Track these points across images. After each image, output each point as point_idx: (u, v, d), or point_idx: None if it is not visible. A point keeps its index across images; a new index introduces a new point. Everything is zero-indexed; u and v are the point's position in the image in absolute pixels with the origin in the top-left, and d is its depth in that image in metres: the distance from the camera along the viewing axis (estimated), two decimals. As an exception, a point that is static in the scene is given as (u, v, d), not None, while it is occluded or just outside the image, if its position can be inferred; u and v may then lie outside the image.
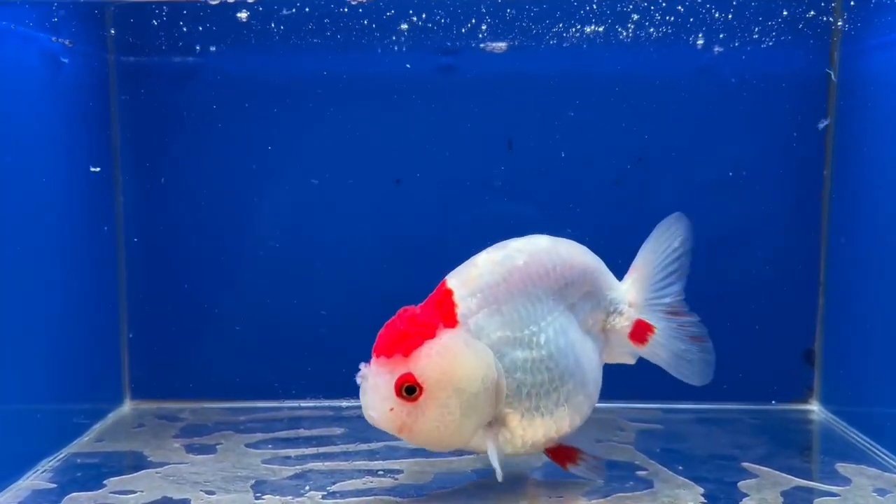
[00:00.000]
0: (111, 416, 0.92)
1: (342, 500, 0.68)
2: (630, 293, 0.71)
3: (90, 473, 0.74)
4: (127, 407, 0.96)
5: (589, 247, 0.77)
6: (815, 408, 0.94)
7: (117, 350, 0.95)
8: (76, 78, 0.85)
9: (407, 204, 0.95)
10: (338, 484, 0.72)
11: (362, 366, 0.64)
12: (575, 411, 0.67)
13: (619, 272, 0.96)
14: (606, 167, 0.94)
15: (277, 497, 0.69)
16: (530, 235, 0.69)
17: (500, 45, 0.92)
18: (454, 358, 0.62)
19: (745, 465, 0.76)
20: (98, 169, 0.91)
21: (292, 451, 0.80)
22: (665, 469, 0.75)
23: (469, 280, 0.65)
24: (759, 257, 0.95)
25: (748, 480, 0.73)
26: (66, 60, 0.82)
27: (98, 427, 0.88)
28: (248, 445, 0.82)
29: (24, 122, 0.75)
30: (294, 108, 0.94)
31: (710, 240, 0.94)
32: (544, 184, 0.94)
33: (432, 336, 0.63)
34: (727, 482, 0.72)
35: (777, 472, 0.74)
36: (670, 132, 0.94)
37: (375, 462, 0.77)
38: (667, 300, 0.71)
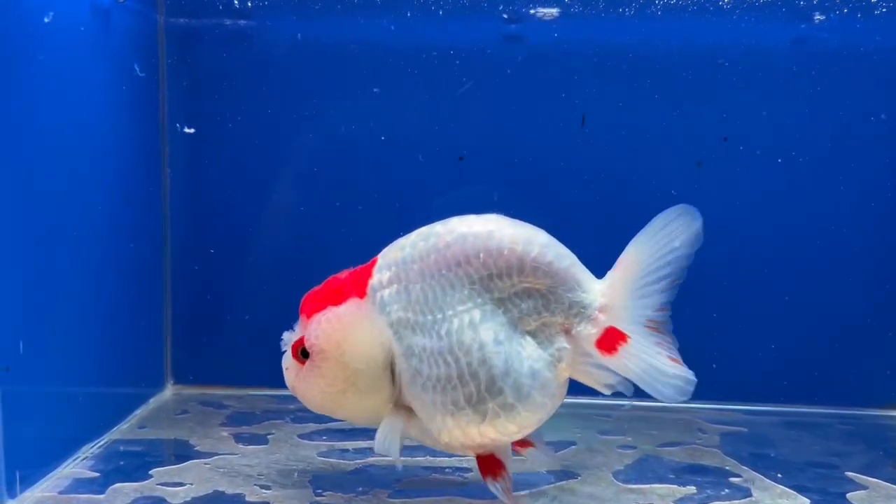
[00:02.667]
0: (152, 402, 0.86)
1: (410, 500, 0.62)
2: (606, 296, 0.58)
3: (134, 462, 0.69)
4: (168, 392, 0.90)
5: None
6: (912, 414, 0.87)
7: (159, 332, 0.90)
8: (125, 38, 0.79)
9: (469, 182, 0.89)
10: (403, 481, 0.66)
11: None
12: (493, 418, 0.57)
13: (700, 262, 0.90)
14: (688, 146, 0.87)
15: (340, 494, 0.63)
16: (490, 214, 0.59)
17: (552, 12, 0.86)
18: (343, 330, 0.58)
19: (850, 474, 0.69)
20: (192, 130, 0.86)
21: (349, 444, 0.74)
22: (761, 476, 0.68)
23: (392, 251, 0.60)
24: (853, 248, 0.87)
25: (857, 492, 0.66)
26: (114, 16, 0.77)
27: (139, 412, 0.83)
28: (300, 436, 0.76)
29: (73, 79, 0.69)
30: (352, 77, 0.87)
31: (799, 229, 0.87)
32: (620, 163, 0.87)
33: (337, 303, 0.59)
34: (833, 493, 0.65)
35: (888, 484, 0.67)
36: (760, 110, 0.86)
37: (440, 458, 0.71)
38: (648, 312, 0.58)
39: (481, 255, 0.57)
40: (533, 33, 0.87)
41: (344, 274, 0.61)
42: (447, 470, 0.69)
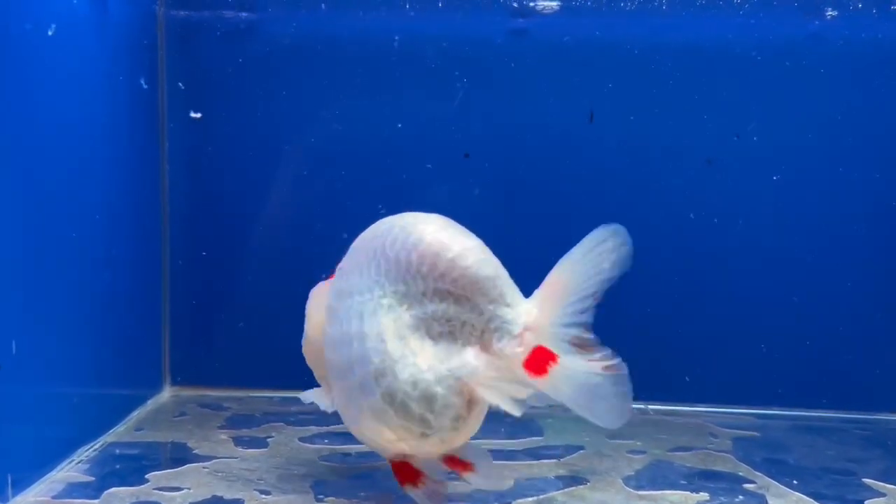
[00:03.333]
0: (150, 403, 0.85)
1: (415, 507, 0.60)
2: (532, 314, 0.54)
3: (130, 466, 0.67)
4: (167, 393, 0.88)
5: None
6: (929, 419, 0.85)
7: (157, 332, 0.88)
8: (124, 30, 0.78)
9: (475, 181, 0.87)
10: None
11: None
12: (364, 419, 0.55)
13: (712, 263, 0.87)
14: (698, 144, 0.85)
15: (343, 500, 0.61)
16: (435, 215, 0.57)
17: (552, 4, 0.84)
18: (310, 304, 0.63)
19: (867, 481, 0.67)
20: (199, 115, 0.84)
21: (352, 448, 0.72)
22: (775, 483, 0.66)
23: (359, 236, 0.60)
24: (869, 250, 0.85)
25: (876, 499, 0.63)
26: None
27: (136, 414, 0.81)
28: (301, 440, 0.74)
29: (70, 75, 0.68)
30: (355, 72, 0.85)
31: (813, 229, 0.85)
32: (628, 160, 0.85)
33: (330, 277, 0.61)
34: (851, 500, 0.63)
35: (907, 491, 0.65)
36: (772, 106, 0.84)
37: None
38: (575, 331, 0.54)
39: (396, 246, 0.54)
40: (540, 27, 0.85)
41: None
42: (452, 474, 0.67)
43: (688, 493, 0.64)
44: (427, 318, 0.54)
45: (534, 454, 0.72)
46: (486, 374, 0.53)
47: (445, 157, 0.87)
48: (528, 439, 0.76)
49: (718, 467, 0.70)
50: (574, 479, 0.66)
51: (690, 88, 0.85)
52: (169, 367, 0.89)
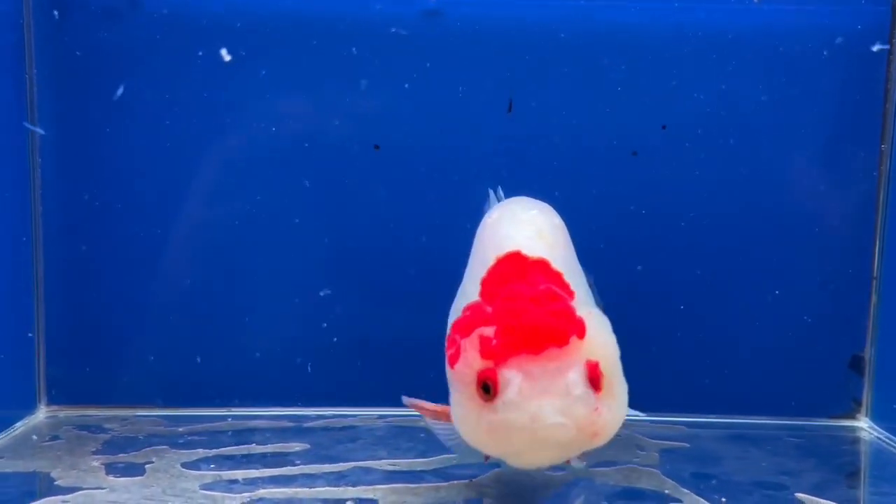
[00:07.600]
0: (20, 426, 0.75)
1: (299, 542, 0.53)
2: None
3: (-26, 502, 0.58)
4: (41, 414, 0.79)
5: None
6: (863, 424, 0.80)
7: (29, 344, 0.78)
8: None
9: (386, 175, 0.80)
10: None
11: None
12: None
13: (637, 261, 0.83)
14: (623, 135, 0.79)
15: (213, 538, 0.53)
16: None
17: None
18: None
19: (800, 496, 0.62)
20: (41, 131, 0.75)
21: (240, 473, 0.64)
22: (703, 500, 0.61)
23: None
24: (799, 246, 0.80)
25: (808, 517, 0.59)
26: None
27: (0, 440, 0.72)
28: (184, 465, 0.66)
29: None
30: (253, 55, 0.77)
31: (742, 226, 0.81)
32: (550, 153, 0.79)
33: None
34: (782, 519, 0.58)
35: (841, 507, 0.60)
36: (699, 96, 0.79)
37: (343, 487, 0.62)
38: None
39: None
40: (455, 7, 0.78)
41: None
42: (348, 501, 0.60)
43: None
44: None
45: (443, 475, 0.65)
46: None
47: (354, 149, 0.80)
48: (439, 457, 0.69)
49: (643, 484, 0.64)
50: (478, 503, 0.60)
51: (615, 76, 0.79)
52: (44, 385, 0.80)
